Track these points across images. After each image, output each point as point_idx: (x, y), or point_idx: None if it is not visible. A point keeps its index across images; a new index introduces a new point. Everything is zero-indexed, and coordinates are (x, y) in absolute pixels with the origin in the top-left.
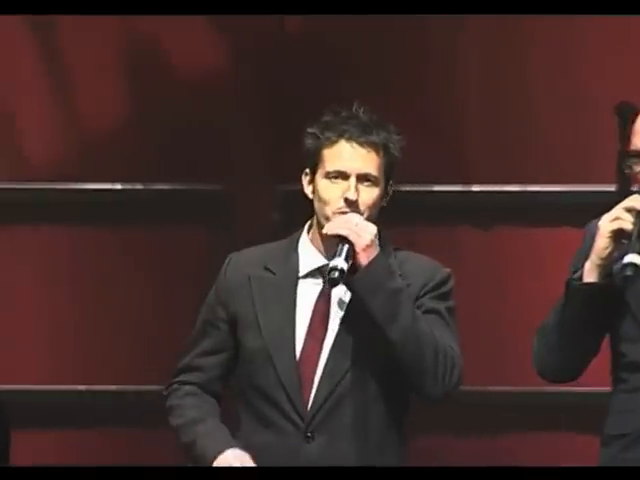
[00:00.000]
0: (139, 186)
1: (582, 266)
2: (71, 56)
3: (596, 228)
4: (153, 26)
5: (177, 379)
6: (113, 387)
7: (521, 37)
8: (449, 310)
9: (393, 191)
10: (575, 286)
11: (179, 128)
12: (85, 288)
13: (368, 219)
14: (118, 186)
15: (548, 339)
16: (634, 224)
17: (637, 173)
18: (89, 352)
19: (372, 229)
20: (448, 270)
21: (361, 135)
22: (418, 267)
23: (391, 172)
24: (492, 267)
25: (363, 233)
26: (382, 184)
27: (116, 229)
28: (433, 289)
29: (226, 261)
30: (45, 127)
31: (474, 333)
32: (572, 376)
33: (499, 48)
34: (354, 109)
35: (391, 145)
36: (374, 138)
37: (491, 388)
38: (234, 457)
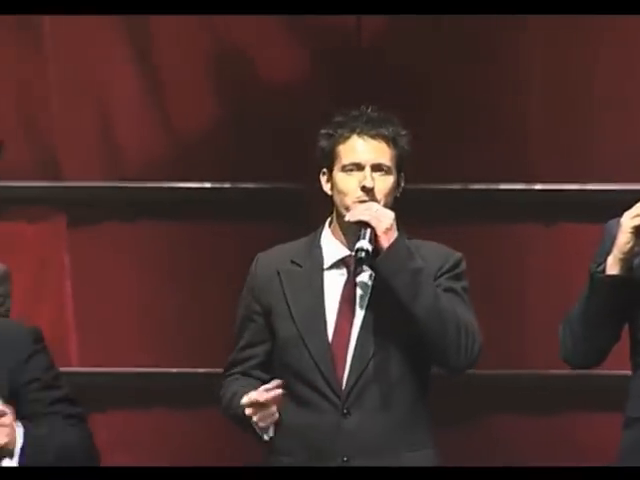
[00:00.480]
0: (227, 185)
1: (604, 260)
2: (163, 56)
3: (617, 226)
4: (240, 28)
5: (225, 374)
6: (201, 370)
7: (584, 37)
8: (464, 289)
9: (461, 189)
10: (599, 278)
11: (263, 129)
12: (178, 280)
13: (385, 206)
14: (207, 185)
15: (573, 330)
16: None
17: None
18: (182, 338)
19: (390, 214)
20: (460, 254)
21: (371, 129)
22: (432, 252)
23: (402, 164)
24: (555, 262)
25: (383, 218)
26: (394, 174)
27: (205, 225)
28: (448, 270)
29: (254, 260)
30: (140, 128)
31: (540, 325)
32: (596, 363)
33: (562, 48)
34: (361, 108)
35: (399, 138)
36: (383, 131)
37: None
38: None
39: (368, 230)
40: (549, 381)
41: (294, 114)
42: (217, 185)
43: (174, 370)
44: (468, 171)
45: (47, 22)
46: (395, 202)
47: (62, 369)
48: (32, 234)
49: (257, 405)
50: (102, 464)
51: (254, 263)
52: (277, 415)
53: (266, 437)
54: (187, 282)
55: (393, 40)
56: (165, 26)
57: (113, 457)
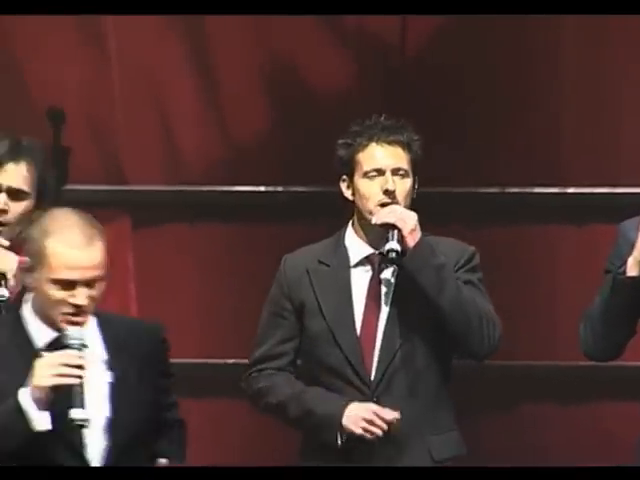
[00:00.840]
0: (279, 188)
1: (621, 262)
2: (220, 69)
3: (635, 228)
4: (293, 36)
5: (255, 368)
6: None
7: (617, 38)
8: (480, 280)
9: (499, 193)
10: (620, 280)
11: (313, 134)
12: (234, 278)
13: (405, 207)
14: (261, 188)
15: (594, 328)
16: None
17: None
18: (237, 332)
19: (414, 215)
20: (473, 248)
21: (388, 136)
22: (449, 247)
23: (416, 167)
24: (586, 262)
25: (408, 219)
26: (411, 177)
27: (259, 227)
28: (465, 264)
29: (282, 261)
30: (198, 135)
31: (570, 320)
32: (615, 356)
33: (595, 49)
34: (374, 117)
35: (413, 143)
36: (399, 137)
37: None
38: (364, 408)
39: (395, 231)
40: (577, 371)
41: (343, 119)
42: (270, 189)
43: (230, 361)
44: (503, 175)
45: (112, 34)
46: (412, 203)
47: None
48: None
49: (371, 422)
50: None
51: (282, 264)
52: None
53: (339, 442)
54: (242, 280)
55: (433, 47)
56: (222, 27)
57: None
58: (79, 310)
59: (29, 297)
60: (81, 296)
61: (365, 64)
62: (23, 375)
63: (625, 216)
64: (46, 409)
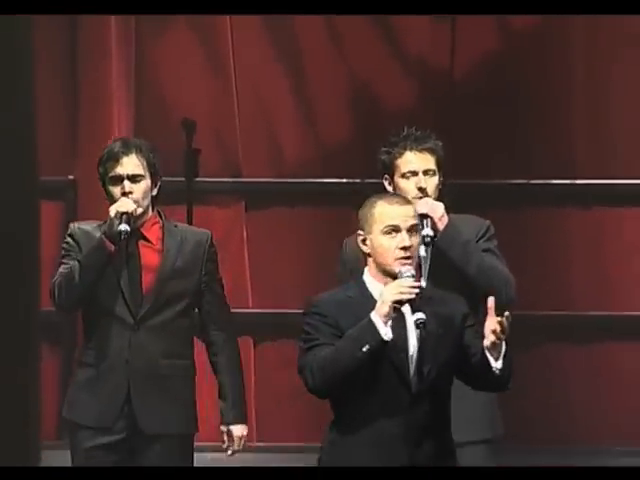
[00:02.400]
0: (357, 180)
1: None
2: (313, 79)
3: None
4: (369, 62)
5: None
6: None
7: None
8: (496, 247)
9: (524, 183)
10: None
11: (380, 138)
12: (323, 250)
13: (435, 199)
14: (344, 180)
15: None
16: None
17: None
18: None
19: (441, 205)
20: (488, 221)
21: (419, 145)
22: (468, 222)
23: (441, 167)
24: (593, 238)
25: (437, 208)
26: (438, 175)
27: (341, 212)
28: (483, 235)
29: (344, 244)
30: (293, 136)
31: (582, 283)
32: None
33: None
34: (406, 129)
35: (438, 148)
36: (427, 145)
37: None
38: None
39: (428, 219)
40: (588, 319)
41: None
42: (351, 180)
43: None
44: (531, 167)
45: (231, 54)
46: (440, 194)
47: (241, 310)
48: (220, 216)
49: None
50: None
51: (343, 246)
52: None
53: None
54: (329, 253)
55: (474, 74)
56: (310, 25)
57: (274, 377)
58: (407, 250)
59: (368, 266)
60: (406, 239)
61: (421, 85)
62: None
63: (622, 203)
64: (388, 322)
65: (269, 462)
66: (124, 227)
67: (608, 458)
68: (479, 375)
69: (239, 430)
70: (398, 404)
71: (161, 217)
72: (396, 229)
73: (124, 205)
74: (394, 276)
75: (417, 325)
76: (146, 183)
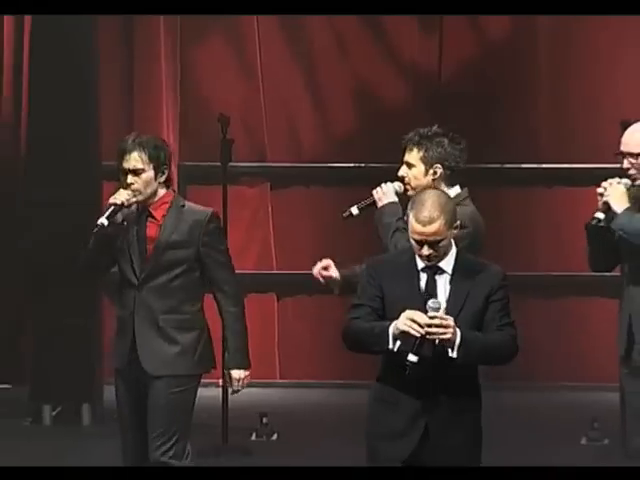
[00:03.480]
0: (361, 164)
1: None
2: (325, 78)
3: None
4: (372, 66)
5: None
6: None
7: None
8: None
9: (499, 167)
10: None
11: (383, 128)
12: (336, 223)
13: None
14: (350, 164)
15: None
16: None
17: (624, 168)
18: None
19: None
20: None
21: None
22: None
23: (427, 160)
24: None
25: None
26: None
27: (354, 192)
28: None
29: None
30: (311, 129)
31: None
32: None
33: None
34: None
35: (423, 144)
36: (412, 139)
37: None
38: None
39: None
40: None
41: (400, 119)
42: (355, 165)
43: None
44: (504, 154)
45: (258, 55)
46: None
47: (267, 272)
48: (250, 194)
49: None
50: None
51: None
52: None
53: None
54: (339, 225)
55: (459, 76)
56: (329, 64)
57: (294, 327)
58: (428, 257)
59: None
60: (425, 249)
61: (414, 85)
62: (409, 289)
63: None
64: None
65: (290, 396)
66: (102, 220)
67: (564, 392)
68: None
69: (236, 374)
70: (427, 349)
71: (173, 198)
72: (419, 242)
73: (117, 197)
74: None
75: (405, 366)
76: (147, 175)
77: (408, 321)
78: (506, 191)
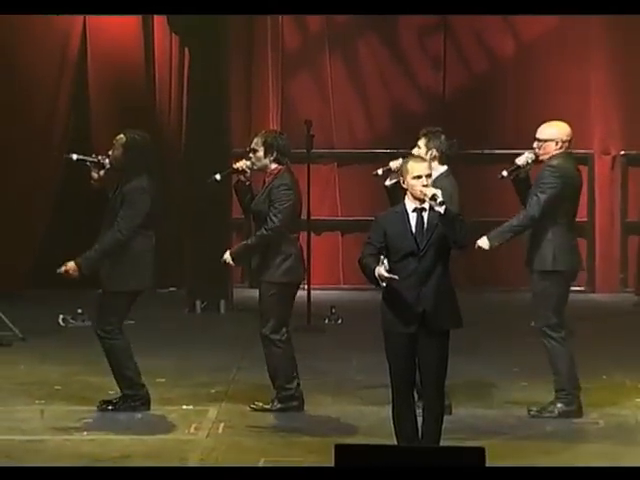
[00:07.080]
0: (394, 150)
1: None
2: (367, 79)
3: None
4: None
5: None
6: None
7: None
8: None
9: (479, 153)
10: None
11: (403, 126)
12: (363, 194)
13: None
14: (387, 150)
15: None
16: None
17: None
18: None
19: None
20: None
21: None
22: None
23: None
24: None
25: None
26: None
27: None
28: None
29: None
30: (358, 118)
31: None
32: None
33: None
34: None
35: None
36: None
37: None
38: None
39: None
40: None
41: (418, 125)
42: (391, 150)
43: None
44: (484, 143)
45: (329, 57)
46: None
47: (334, 218)
48: (324, 171)
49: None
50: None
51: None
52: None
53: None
54: (379, 190)
55: (458, 95)
56: (370, 68)
57: (352, 255)
58: (425, 186)
59: (407, 195)
60: (424, 180)
61: (427, 102)
62: (402, 227)
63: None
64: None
65: (349, 295)
66: (217, 176)
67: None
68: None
69: (224, 256)
70: (412, 254)
71: (280, 171)
72: (419, 177)
73: (238, 164)
74: (420, 200)
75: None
76: (259, 154)
77: (376, 275)
78: (485, 169)
